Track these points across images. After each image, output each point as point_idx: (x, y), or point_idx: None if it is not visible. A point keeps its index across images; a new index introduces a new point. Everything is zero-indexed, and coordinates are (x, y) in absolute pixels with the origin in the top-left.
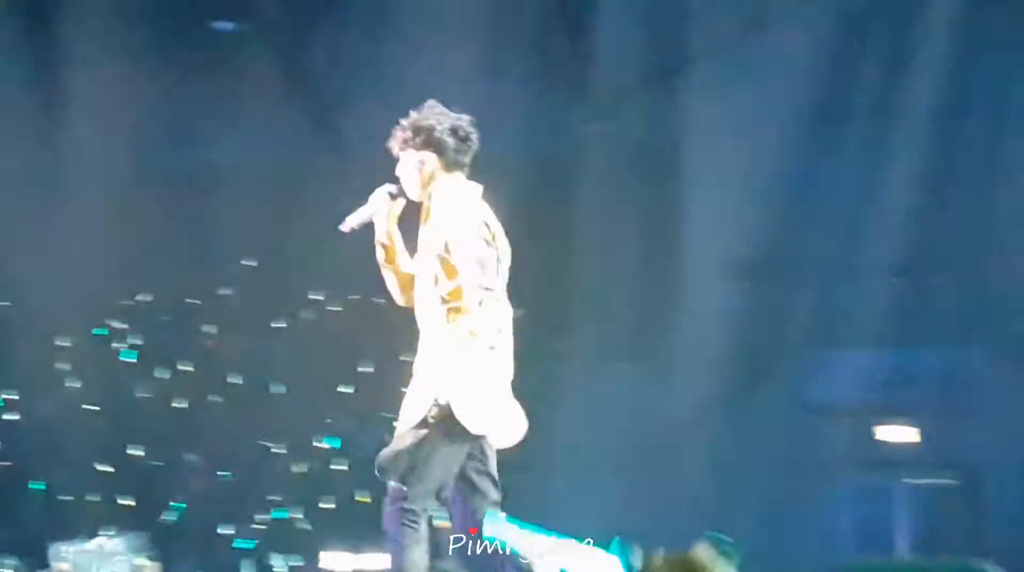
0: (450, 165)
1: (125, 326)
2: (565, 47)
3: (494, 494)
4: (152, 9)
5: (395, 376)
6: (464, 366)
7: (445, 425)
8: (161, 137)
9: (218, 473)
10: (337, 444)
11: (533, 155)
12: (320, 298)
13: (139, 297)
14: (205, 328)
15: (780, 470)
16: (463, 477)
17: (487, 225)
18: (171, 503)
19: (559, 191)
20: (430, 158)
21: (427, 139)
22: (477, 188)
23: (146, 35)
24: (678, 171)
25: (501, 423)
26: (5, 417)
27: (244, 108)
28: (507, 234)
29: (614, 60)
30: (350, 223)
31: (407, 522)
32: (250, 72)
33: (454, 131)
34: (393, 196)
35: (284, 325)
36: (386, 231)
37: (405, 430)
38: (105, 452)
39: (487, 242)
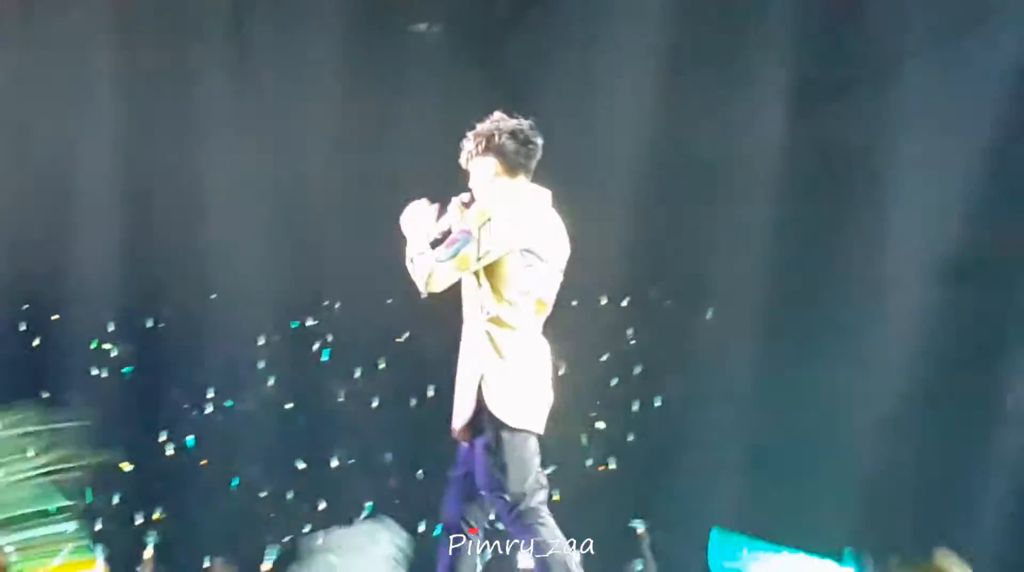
0: (512, 168)
1: (320, 324)
2: (764, 44)
3: (510, 485)
4: (349, 11)
5: (591, 375)
6: (498, 360)
7: (493, 421)
8: (363, 138)
9: (413, 472)
10: None
11: (731, 155)
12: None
13: (336, 302)
14: (401, 329)
15: (987, 474)
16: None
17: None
18: (365, 503)
19: (757, 190)
20: (491, 162)
21: (488, 144)
22: (544, 192)
23: (345, 38)
24: (882, 170)
25: (541, 413)
26: (205, 413)
27: (441, 110)
28: (702, 234)
29: (817, 57)
30: (432, 234)
31: (533, 523)
32: (446, 74)
33: (513, 135)
34: (465, 205)
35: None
36: None
37: (458, 429)
38: (302, 450)
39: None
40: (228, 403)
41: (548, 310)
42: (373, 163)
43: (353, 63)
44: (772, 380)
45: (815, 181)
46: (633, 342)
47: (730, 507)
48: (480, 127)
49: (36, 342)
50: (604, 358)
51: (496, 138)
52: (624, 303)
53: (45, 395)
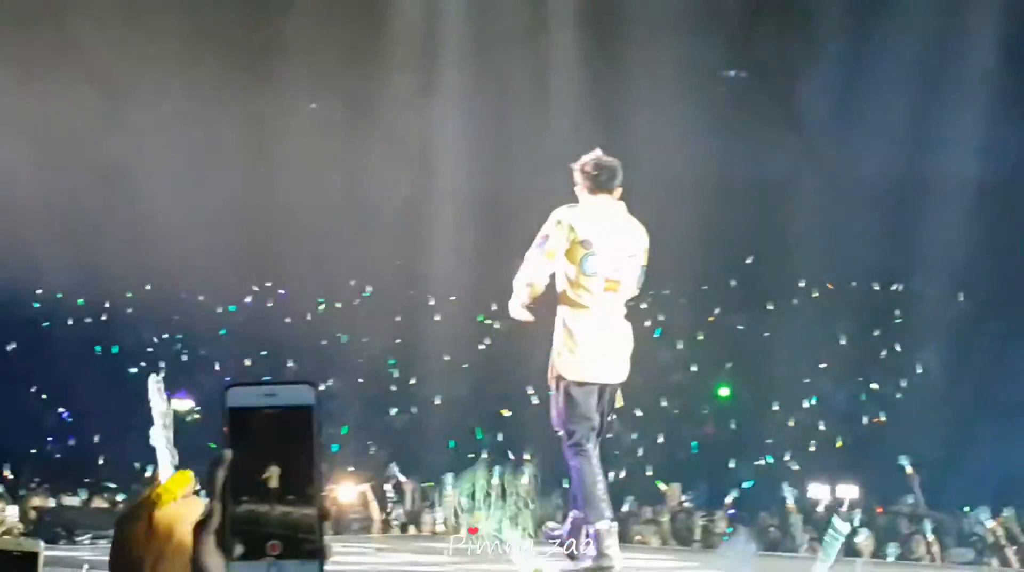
0: (592, 189)
1: (647, 306)
2: None
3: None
4: (673, 61)
5: (865, 348)
6: (563, 329)
7: (559, 376)
8: (694, 160)
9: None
10: (815, 400)
11: (993, 177)
12: (803, 286)
13: (665, 289)
14: (715, 310)
15: None
16: None
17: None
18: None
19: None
20: (581, 184)
21: (579, 171)
22: (619, 204)
23: (676, 84)
24: None
25: (595, 367)
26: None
27: (749, 138)
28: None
29: None
30: None
31: (576, 453)
32: (751, 109)
33: (586, 168)
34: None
35: (773, 309)
36: None
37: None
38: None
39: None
40: None
41: (622, 288)
42: (720, 177)
43: (680, 103)
44: (1015, 350)
45: None
46: (899, 321)
47: (981, 454)
48: (582, 158)
49: (438, 317)
50: (876, 333)
51: (582, 168)
52: (894, 288)
53: (446, 357)
